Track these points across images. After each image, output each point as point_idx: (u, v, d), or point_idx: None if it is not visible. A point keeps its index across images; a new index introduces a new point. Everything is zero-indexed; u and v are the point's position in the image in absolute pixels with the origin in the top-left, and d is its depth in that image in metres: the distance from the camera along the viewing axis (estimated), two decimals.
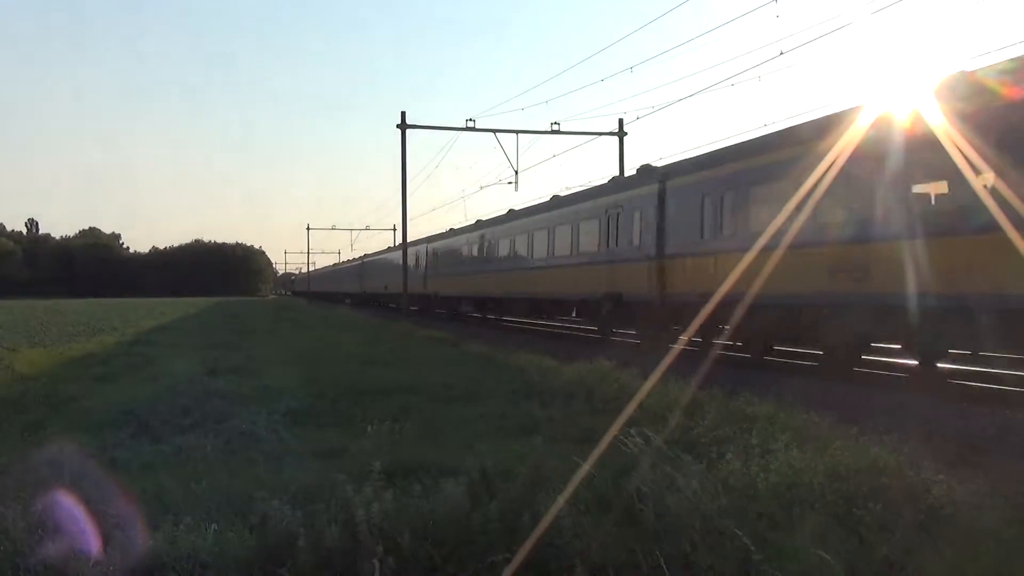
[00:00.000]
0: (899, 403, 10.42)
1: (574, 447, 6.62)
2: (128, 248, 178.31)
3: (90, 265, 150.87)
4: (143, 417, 9.50)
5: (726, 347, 16.75)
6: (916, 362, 13.84)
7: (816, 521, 4.70)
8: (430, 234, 45.39)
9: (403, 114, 37.31)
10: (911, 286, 11.72)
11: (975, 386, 11.87)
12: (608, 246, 22.34)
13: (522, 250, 30.02)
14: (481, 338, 23.84)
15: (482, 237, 36.21)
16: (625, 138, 37.95)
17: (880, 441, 6.42)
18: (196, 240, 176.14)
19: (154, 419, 9.36)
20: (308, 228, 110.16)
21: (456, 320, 39.20)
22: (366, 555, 4.42)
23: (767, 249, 13.99)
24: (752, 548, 4.24)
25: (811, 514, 4.82)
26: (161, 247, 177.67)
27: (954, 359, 13.06)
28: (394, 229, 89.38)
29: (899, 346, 14.19)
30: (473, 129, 36.76)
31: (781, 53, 19.78)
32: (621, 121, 38.05)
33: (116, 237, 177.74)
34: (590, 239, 23.59)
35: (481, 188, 63.63)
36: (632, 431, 6.08)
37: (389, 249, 62.58)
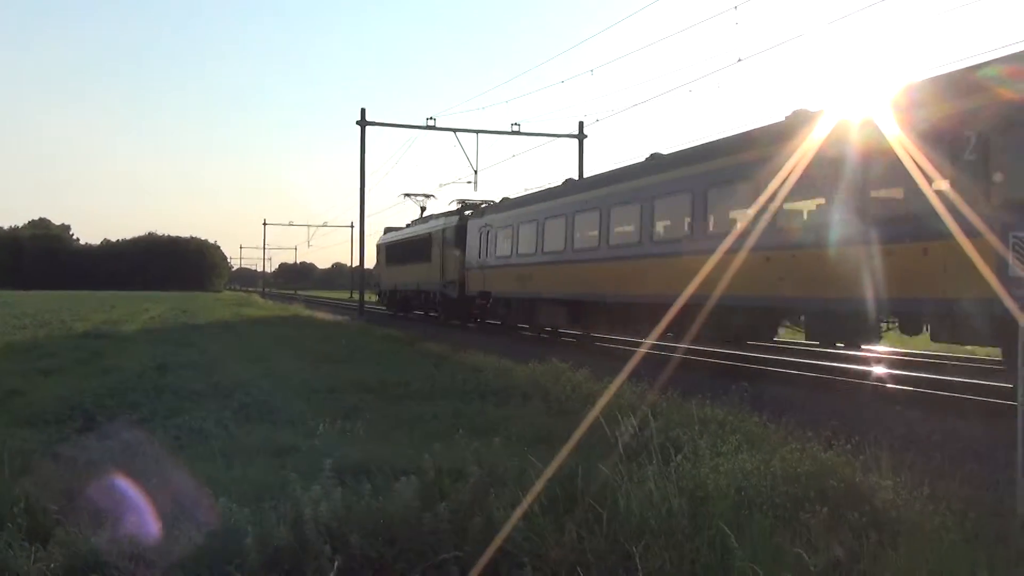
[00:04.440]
0: (850, 409, 10.62)
1: (530, 447, 6.62)
2: (79, 240, 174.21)
3: (39, 256, 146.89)
4: (90, 412, 9.32)
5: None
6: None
7: (764, 523, 4.75)
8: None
9: (363, 111, 37.19)
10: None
11: (925, 393, 12.11)
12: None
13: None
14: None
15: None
16: (585, 140, 38.28)
17: (830, 446, 6.52)
18: (149, 233, 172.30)
19: (102, 414, 9.19)
20: (264, 223, 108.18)
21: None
22: (314, 554, 4.38)
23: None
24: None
25: (759, 516, 4.87)
26: (113, 240, 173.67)
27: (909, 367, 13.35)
28: (351, 226, 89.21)
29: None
30: (433, 128, 36.68)
31: (739, 60, 20.27)
32: (581, 124, 38.33)
33: (66, 228, 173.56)
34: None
35: (440, 186, 63.38)
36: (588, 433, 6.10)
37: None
